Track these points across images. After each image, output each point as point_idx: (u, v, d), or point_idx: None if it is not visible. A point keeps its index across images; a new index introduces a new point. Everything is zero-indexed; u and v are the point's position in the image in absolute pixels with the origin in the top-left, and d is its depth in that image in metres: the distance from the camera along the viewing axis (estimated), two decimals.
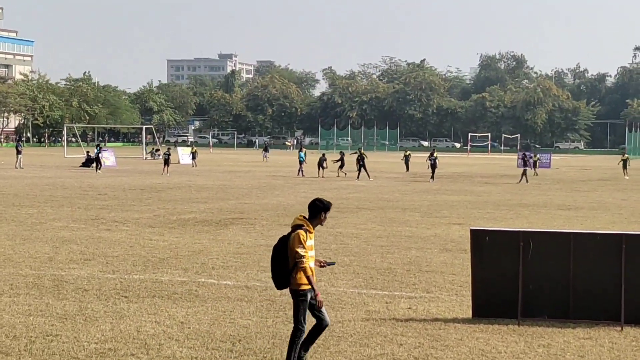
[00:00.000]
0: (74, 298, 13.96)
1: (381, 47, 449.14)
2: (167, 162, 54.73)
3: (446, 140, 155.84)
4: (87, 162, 61.36)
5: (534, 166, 58.53)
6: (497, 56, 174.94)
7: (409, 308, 13.59)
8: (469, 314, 13.03)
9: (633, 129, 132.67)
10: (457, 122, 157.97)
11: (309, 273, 9.70)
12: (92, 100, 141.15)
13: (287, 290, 9.99)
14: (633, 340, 11.80)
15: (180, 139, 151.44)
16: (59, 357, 10.58)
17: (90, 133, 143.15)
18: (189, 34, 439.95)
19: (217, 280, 15.74)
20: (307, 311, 9.88)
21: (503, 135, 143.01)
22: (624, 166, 58.11)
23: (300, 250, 9.61)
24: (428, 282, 15.91)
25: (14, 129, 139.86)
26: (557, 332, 12.12)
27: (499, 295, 12.78)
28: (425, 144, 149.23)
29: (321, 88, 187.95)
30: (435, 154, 52.33)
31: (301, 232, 9.70)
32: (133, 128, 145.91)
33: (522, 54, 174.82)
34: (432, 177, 50.11)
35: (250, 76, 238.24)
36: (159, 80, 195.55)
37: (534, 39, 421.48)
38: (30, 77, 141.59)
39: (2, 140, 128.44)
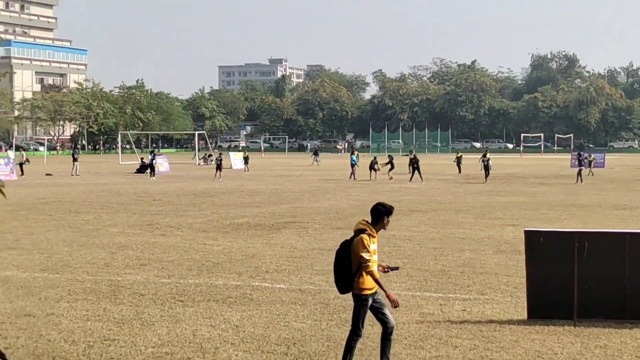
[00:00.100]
0: (131, 303, 14.12)
1: (431, 48, 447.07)
2: (219, 167, 55.04)
3: (498, 141, 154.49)
4: (142, 169, 61.96)
5: (589, 166, 57.99)
6: (549, 56, 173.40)
7: (464, 310, 13.55)
8: (524, 315, 12.95)
9: None
10: (509, 122, 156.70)
11: (377, 276, 9.73)
12: (146, 107, 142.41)
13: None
14: None
15: (232, 144, 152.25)
16: None
17: (144, 140, 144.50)
18: (239, 40, 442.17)
19: (271, 283, 15.82)
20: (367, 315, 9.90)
21: (556, 135, 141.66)
22: None
23: (365, 255, 9.63)
24: (482, 283, 15.84)
25: (69, 137, 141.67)
26: (614, 332, 12.00)
27: (554, 296, 12.68)
28: (478, 145, 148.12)
29: (371, 91, 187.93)
30: (487, 155, 52.08)
31: (365, 236, 9.71)
32: (186, 134, 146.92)
33: (574, 53, 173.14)
34: (486, 178, 49.86)
35: (301, 80, 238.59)
36: (211, 87, 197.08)
37: (585, 37, 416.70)
38: (84, 86, 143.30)
39: (58, 148, 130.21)
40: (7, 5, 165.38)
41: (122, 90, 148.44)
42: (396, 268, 10.68)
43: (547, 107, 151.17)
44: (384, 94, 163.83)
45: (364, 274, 9.69)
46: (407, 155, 57.96)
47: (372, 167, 53.68)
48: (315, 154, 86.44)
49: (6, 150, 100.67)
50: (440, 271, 17.17)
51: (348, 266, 9.76)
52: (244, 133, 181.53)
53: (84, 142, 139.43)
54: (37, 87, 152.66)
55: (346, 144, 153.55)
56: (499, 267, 17.63)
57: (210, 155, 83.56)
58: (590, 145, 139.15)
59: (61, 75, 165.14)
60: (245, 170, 65.02)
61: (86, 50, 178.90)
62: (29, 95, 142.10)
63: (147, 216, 28.91)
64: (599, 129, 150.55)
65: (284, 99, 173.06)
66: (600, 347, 11.29)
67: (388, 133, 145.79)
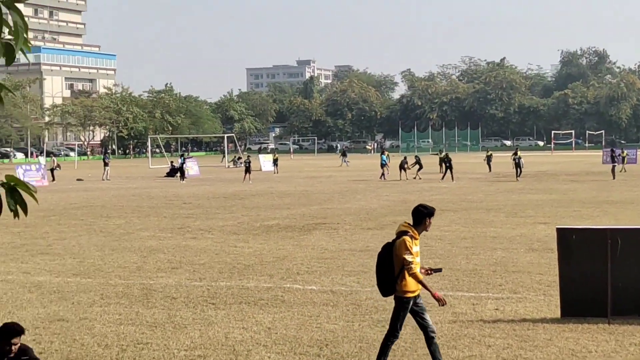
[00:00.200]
0: (163, 306, 14.17)
1: (460, 47, 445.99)
2: (248, 169, 55.11)
3: (529, 139, 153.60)
4: (172, 172, 62.21)
5: (622, 162, 57.58)
6: (579, 52, 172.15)
7: (496, 309, 13.47)
8: (557, 313, 12.86)
9: None
10: (540, 120, 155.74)
11: (420, 277, 9.69)
12: (175, 111, 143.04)
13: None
14: None
15: (261, 147, 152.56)
16: None
17: (173, 143, 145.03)
18: (267, 42, 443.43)
19: (303, 285, 15.82)
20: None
21: (587, 131, 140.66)
22: None
23: (408, 257, 9.60)
24: (515, 282, 15.75)
25: (99, 142, 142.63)
26: None
27: (588, 294, 12.58)
28: (508, 143, 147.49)
29: (400, 91, 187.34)
30: (518, 153, 51.86)
31: (407, 238, 9.69)
32: (215, 137, 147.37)
33: (604, 49, 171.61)
34: (518, 176, 49.62)
35: (329, 81, 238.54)
36: (239, 89, 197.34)
37: (615, 33, 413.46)
38: (113, 91, 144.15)
39: (89, 153, 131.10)
40: (36, 12, 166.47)
41: (151, 95, 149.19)
42: (439, 270, 10.63)
43: (577, 103, 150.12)
44: (413, 93, 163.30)
45: (406, 276, 9.65)
46: (436, 154, 57.74)
47: (402, 166, 53.57)
48: (343, 154, 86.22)
49: (37, 156, 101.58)
50: (472, 270, 17.10)
51: (390, 269, 9.72)
52: (273, 135, 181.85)
53: (114, 146, 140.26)
54: (67, 93, 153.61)
55: (375, 144, 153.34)
56: (532, 266, 17.53)
57: (239, 158, 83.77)
58: (622, 142, 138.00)
59: (90, 80, 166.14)
60: (274, 172, 65.11)
61: (115, 55, 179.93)
62: (59, 101, 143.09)
63: (177, 219, 29.03)
64: (631, 124, 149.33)
65: (313, 100, 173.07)
66: (635, 344, 11.19)
67: (417, 133, 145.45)
